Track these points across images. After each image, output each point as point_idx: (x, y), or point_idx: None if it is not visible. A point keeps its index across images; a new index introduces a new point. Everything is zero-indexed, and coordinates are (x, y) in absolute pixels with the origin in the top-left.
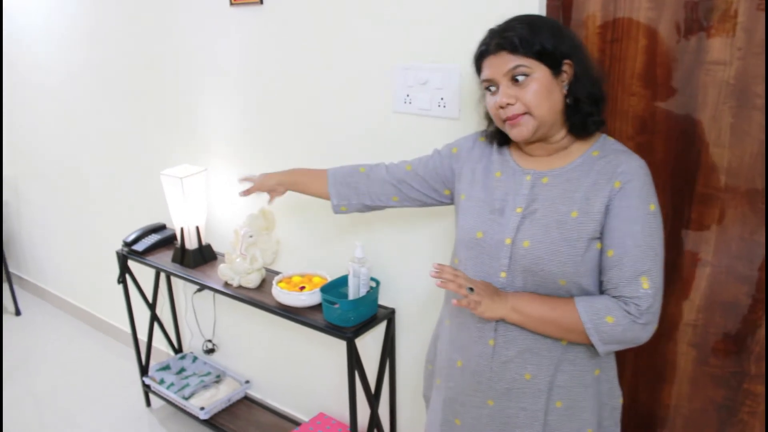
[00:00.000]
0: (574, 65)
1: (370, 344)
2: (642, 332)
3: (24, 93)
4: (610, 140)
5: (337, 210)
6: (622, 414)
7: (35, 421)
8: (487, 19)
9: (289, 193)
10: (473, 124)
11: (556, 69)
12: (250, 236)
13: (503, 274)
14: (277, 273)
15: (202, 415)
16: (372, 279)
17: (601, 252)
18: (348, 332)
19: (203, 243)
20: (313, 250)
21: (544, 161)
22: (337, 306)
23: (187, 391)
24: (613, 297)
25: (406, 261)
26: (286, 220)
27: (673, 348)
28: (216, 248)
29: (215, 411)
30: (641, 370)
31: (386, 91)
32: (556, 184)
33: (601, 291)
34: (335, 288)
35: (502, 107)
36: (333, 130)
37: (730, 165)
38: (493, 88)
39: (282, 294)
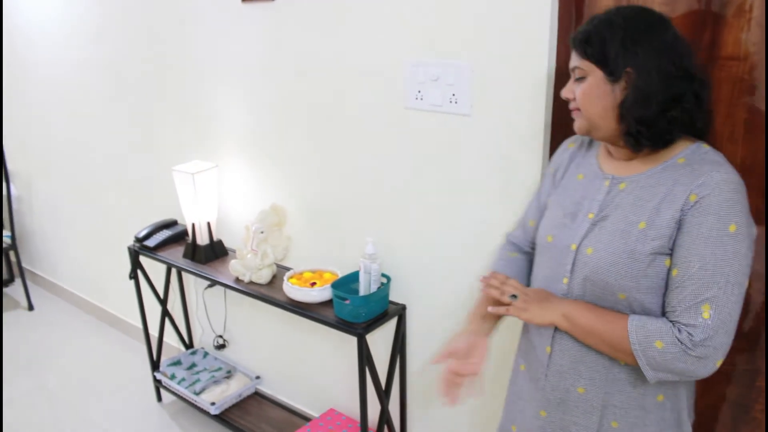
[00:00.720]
0: (635, 77)
1: (380, 340)
2: (696, 365)
3: (35, 89)
4: (705, 148)
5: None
6: None
7: (48, 415)
8: (499, 14)
9: (299, 190)
10: (485, 121)
11: (614, 75)
12: (261, 232)
13: (565, 280)
14: (288, 269)
15: (213, 411)
16: (383, 275)
17: (669, 270)
18: (359, 328)
19: (214, 239)
20: (324, 246)
21: (627, 166)
22: (348, 302)
23: (197, 387)
24: (670, 321)
25: (417, 257)
26: (297, 216)
27: None
28: (227, 244)
29: (226, 406)
30: None
31: (398, 87)
32: (631, 191)
33: (663, 313)
34: (346, 284)
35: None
36: (344, 125)
37: (744, 161)
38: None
39: (293, 290)
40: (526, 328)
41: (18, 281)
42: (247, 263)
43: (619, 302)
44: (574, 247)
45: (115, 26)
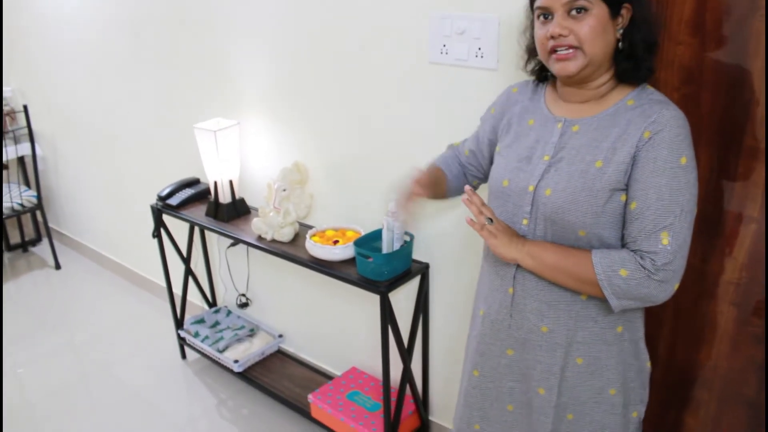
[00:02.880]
0: (633, 10)
1: (403, 299)
2: (658, 290)
3: (59, 50)
4: (649, 89)
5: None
6: (659, 373)
7: (75, 371)
8: None
9: (321, 147)
10: (511, 75)
11: (615, 10)
12: (284, 190)
13: (525, 221)
14: (311, 227)
15: (237, 368)
16: (406, 233)
17: (626, 204)
18: (381, 286)
19: (237, 197)
20: (347, 203)
21: (577, 108)
22: (370, 260)
23: (221, 344)
24: (632, 251)
25: (441, 215)
26: (319, 173)
27: (713, 307)
28: (249, 202)
29: (249, 364)
30: (680, 329)
31: (422, 41)
32: (585, 133)
33: (623, 245)
34: (369, 242)
35: (553, 37)
36: (367, 80)
37: None
38: (547, 17)
39: (315, 248)
40: (485, 272)
41: (45, 241)
42: (269, 221)
43: (579, 239)
44: (531, 188)
45: None
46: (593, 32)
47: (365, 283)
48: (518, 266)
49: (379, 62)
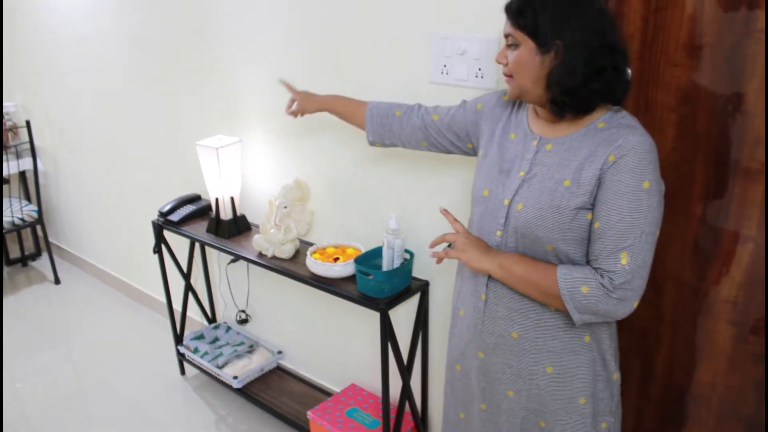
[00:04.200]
0: (563, 49)
1: (403, 316)
2: (617, 307)
3: (61, 64)
4: (621, 113)
5: (371, 144)
6: (657, 390)
7: (74, 386)
8: None
9: (322, 165)
10: None
11: (542, 45)
12: (285, 207)
13: (499, 233)
14: (311, 244)
15: (236, 384)
16: (406, 251)
17: (591, 224)
18: (381, 304)
19: (238, 213)
20: (348, 221)
21: (552, 127)
22: (371, 277)
23: (220, 360)
24: (594, 268)
25: (440, 233)
26: (320, 191)
27: (711, 325)
28: (250, 219)
29: (248, 380)
30: (678, 346)
31: (423, 61)
32: (557, 152)
33: (587, 261)
34: (369, 259)
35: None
36: (368, 99)
37: None
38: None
39: (316, 265)
40: (462, 275)
41: (44, 255)
42: (270, 238)
43: (547, 253)
44: (506, 202)
45: (140, 0)
46: (517, 64)
47: (365, 301)
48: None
49: (381, 81)
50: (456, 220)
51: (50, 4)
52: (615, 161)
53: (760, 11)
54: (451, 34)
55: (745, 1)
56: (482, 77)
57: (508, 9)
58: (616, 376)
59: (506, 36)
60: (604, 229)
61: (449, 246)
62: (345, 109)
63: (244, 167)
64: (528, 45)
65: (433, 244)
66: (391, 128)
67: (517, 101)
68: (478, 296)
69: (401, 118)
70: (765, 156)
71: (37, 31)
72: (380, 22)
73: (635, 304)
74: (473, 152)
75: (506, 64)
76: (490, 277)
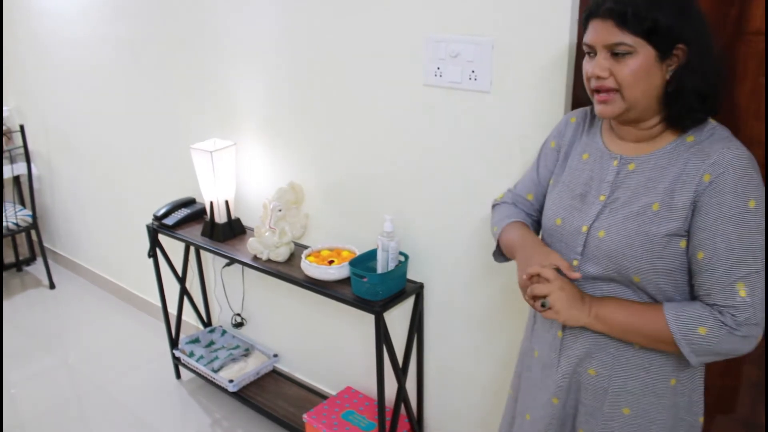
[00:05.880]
0: (688, 52)
1: (398, 319)
2: (741, 344)
3: (55, 69)
4: (712, 123)
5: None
6: None
7: (68, 392)
8: None
9: (317, 168)
10: (504, 98)
11: (664, 52)
12: (279, 210)
13: (575, 262)
14: (306, 247)
15: (231, 388)
16: (401, 253)
17: (688, 252)
18: (376, 306)
19: (232, 217)
20: (342, 223)
21: (633, 146)
22: (365, 280)
23: (216, 364)
24: (707, 305)
25: (435, 235)
26: (314, 194)
27: None
28: (245, 222)
29: (244, 383)
30: None
31: (416, 64)
32: (641, 172)
33: (693, 296)
34: (364, 262)
35: (595, 77)
36: (363, 102)
37: None
38: (592, 54)
39: (311, 267)
40: (536, 312)
41: (39, 260)
42: (265, 241)
43: (633, 284)
44: (585, 229)
45: (133, 5)
46: (634, 76)
47: (360, 303)
48: None
49: (374, 84)
50: (548, 266)
51: (44, 8)
52: (712, 181)
53: (752, 12)
54: (444, 37)
55: (737, 3)
56: (476, 80)
57: (612, 12)
58: (701, 419)
59: (610, 46)
60: (711, 259)
61: (542, 305)
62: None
63: (239, 170)
64: (647, 51)
65: (524, 285)
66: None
67: (588, 119)
68: (554, 333)
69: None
70: (764, 157)
71: (30, 34)
72: (373, 24)
73: (760, 338)
74: None
75: (605, 78)
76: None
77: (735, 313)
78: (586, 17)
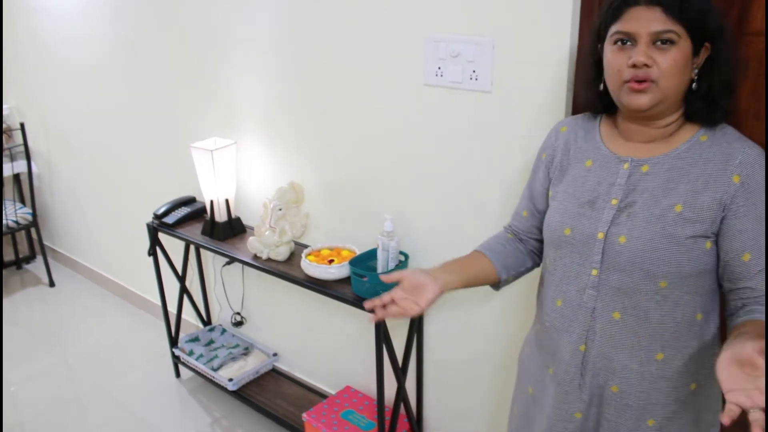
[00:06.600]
0: (713, 49)
1: (397, 318)
2: None
3: (55, 67)
4: (721, 124)
5: (503, 284)
6: None
7: (68, 390)
8: None
9: (317, 167)
10: (505, 98)
11: (697, 47)
12: (280, 209)
13: (595, 272)
14: (306, 246)
15: (231, 386)
16: (401, 253)
17: (723, 255)
18: None
19: (233, 216)
20: (342, 223)
21: (643, 147)
22: (365, 279)
23: (215, 363)
24: None
25: (435, 235)
26: (315, 193)
27: None
28: (245, 221)
29: (243, 382)
30: None
31: (417, 64)
32: (657, 173)
33: (735, 296)
34: (364, 261)
35: (635, 66)
36: (363, 102)
37: None
38: (627, 43)
39: (311, 267)
40: (549, 325)
41: (39, 258)
42: (265, 240)
43: (658, 291)
44: (601, 236)
45: (133, 5)
46: (676, 67)
47: (360, 302)
48: (594, 321)
49: (374, 84)
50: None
51: (44, 7)
52: (742, 182)
53: (752, 13)
54: (444, 37)
55: (737, 4)
56: (476, 79)
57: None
58: (718, 417)
59: (629, 34)
60: (759, 258)
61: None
62: (468, 268)
63: (239, 169)
64: (687, 43)
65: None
66: (514, 253)
67: (579, 126)
68: (575, 347)
69: (511, 241)
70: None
71: (30, 33)
72: (374, 24)
73: None
74: None
75: (651, 66)
76: (593, 322)
77: None
78: (619, 5)
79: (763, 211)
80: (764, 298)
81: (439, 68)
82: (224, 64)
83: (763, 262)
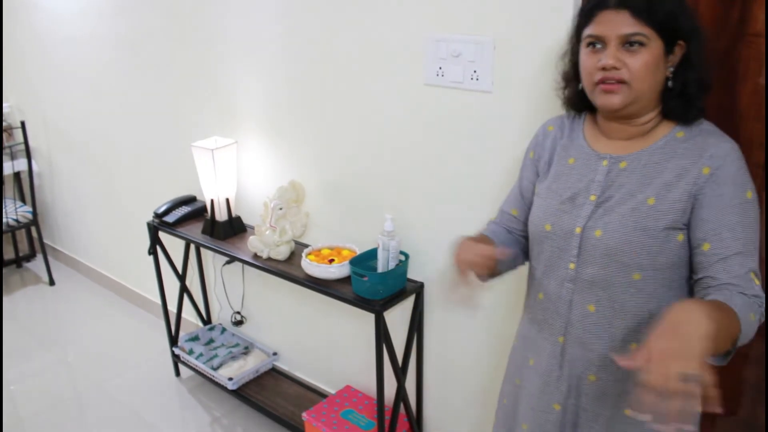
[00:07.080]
0: (687, 48)
1: (398, 318)
2: (754, 332)
3: (56, 66)
4: (698, 120)
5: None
6: None
7: (68, 388)
8: None
9: (317, 167)
10: (506, 98)
11: (670, 46)
12: (280, 208)
13: (572, 266)
14: (307, 245)
15: (231, 386)
16: (401, 252)
17: (690, 245)
18: (376, 305)
19: (233, 215)
20: (343, 222)
21: (622, 144)
22: (366, 279)
23: (215, 362)
24: (740, 293)
25: (436, 235)
26: (315, 192)
27: None
28: (246, 220)
29: (243, 382)
30: None
31: (418, 64)
32: (634, 170)
33: (699, 287)
34: (364, 261)
35: (605, 68)
36: (363, 102)
37: None
38: (598, 45)
39: (311, 266)
40: (531, 318)
41: (39, 257)
42: (265, 239)
43: (632, 283)
44: (578, 230)
45: (134, 2)
46: (645, 68)
47: (360, 302)
48: (570, 313)
49: (375, 83)
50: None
51: (44, 6)
52: (711, 173)
53: (753, 13)
54: (445, 37)
55: (738, 4)
56: (477, 79)
57: (628, 2)
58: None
59: (599, 38)
60: (720, 249)
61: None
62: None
63: (240, 169)
64: (657, 45)
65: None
66: (507, 240)
67: (567, 125)
68: (554, 339)
69: (503, 231)
70: (765, 158)
71: (30, 31)
72: (375, 23)
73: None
74: None
75: (620, 68)
76: (569, 315)
77: (759, 302)
78: (590, 9)
79: (730, 204)
80: (724, 286)
81: (440, 68)
82: (225, 64)
83: (725, 252)
